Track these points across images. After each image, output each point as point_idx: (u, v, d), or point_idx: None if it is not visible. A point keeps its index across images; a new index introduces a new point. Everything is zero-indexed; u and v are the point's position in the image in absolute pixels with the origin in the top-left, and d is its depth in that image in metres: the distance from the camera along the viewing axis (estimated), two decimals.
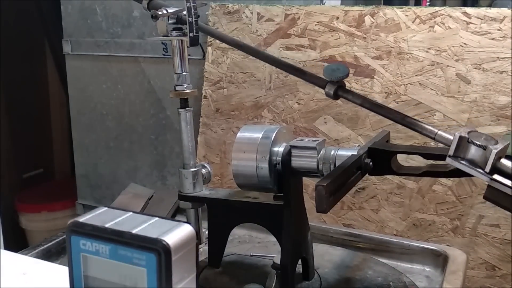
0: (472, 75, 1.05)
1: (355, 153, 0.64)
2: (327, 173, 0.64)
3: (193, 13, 0.63)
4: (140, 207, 1.26)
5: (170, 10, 0.71)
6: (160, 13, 0.70)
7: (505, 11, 1.05)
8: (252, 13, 1.26)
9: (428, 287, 0.79)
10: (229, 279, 0.77)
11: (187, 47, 0.71)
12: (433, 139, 0.53)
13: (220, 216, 0.75)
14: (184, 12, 0.72)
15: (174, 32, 0.72)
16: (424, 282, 0.80)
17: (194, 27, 0.64)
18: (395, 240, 0.89)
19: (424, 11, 1.10)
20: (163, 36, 0.72)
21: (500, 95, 1.02)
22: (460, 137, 0.50)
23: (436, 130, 0.53)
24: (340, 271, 0.79)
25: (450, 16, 1.08)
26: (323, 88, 0.60)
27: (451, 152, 0.50)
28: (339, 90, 0.59)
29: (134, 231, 0.35)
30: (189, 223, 0.37)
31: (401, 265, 0.84)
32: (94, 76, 1.64)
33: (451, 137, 0.51)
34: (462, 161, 0.50)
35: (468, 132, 0.50)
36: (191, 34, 0.65)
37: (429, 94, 1.08)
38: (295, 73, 0.64)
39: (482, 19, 1.05)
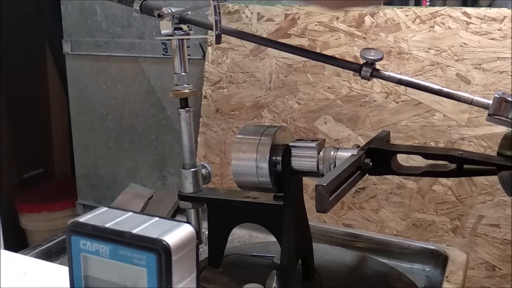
0: (472, 75, 1.05)
1: (355, 153, 0.65)
2: (327, 173, 0.64)
3: (218, 12, 0.64)
4: (140, 207, 1.26)
5: (174, 10, 0.72)
6: (166, 12, 0.70)
7: (505, 11, 1.05)
8: (252, 13, 1.26)
9: (428, 287, 0.79)
10: (229, 279, 0.77)
11: (212, 44, 0.71)
12: (470, 103, 0.61)
13: (220, 216, 0.75)
14: (189, 12, 0.72)
15: (177, 31, 0.72)
16: (424, 282, 0.80)
17: (218, 25, 0.65)
18: (395, 240, 0.89)
19: (424, 11, 1.10)
20: (167, 36, 0.72)
21: None
22: (500, 98, 0.58)
23: (472, 97, 0.61)
24: (340, 271, 0.79)
25: (450, 16, 1.08)
26: (358, 71, 0.64)
27: (490, 112, 0.59)
28: (374, 72, 0.64)
29: (134, 231, 0.35)
30: (189, 223, 0.37)
31: (401, 265, 0.84)
32: (94, 76, 1.64)
33: (487, 101, 0.60)
34: (501, 117, 0.59)
35: (502, 93, 0.59)
36: (216, 32, 0.65)
37: (429, 94, 1.08)
38: (326, 61, 0.68)
39: (482, 19, 1.05)
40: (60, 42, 1.69)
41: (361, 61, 0.65)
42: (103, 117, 1.65)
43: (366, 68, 0.64)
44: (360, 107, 1.13)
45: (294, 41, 1.21)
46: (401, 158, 0.70)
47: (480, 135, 1.03)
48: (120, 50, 1.56)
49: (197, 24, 0.72)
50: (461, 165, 0.63)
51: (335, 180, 0.56)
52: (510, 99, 0.58)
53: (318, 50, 1.18)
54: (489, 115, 0.59)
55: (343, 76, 1.15)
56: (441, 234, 1.06)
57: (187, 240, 0.36)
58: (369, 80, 0.65)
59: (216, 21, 0.65)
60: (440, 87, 0.63)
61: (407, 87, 1.10)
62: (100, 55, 1.60)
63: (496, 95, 0.59)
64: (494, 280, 1.02)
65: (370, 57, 0.63)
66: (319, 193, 0.53)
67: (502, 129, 1.02)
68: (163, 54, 1.48)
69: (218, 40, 0.66)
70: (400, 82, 0.64)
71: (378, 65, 0.73)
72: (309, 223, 0.76)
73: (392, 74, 0.64)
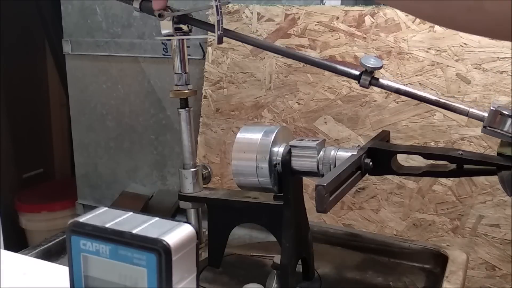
0: (472, 75, 1.05)
1: (355, 153, 0.65)
2: (327, 173, 0.64)
3: (220, 12, 0.65)
4: (140, 207, 1.27)
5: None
6: (166, 12, 0.71)
7: None
8: (252, 13, 1.26)
9: (428, 287, 0.79)
10: (229, 279, 0.77)
11: (212, 44, 0.71)
12: (466, 115, 0.61)
13: (220, 216, 0.75)
14: (189, 13, 0.72)
15: (177, 31, 0.73)
16: (424, 282, 0.80)
17: (220, 25, 0.65)
18: (395, 240, 0.89)
19: None
20: (167, 36, 0.72)
21: (500, 95, 1.02)
22: (496, 111, 0.58)
23: (468, 109, 0.61)
24: (340, 271, 0.79)
25: None
26: (357, 79, 0.65)
27: (486, 124, 0.59)
28: (373, 80, 0.65)
29: (134, 231, 0.35)
30: (189, 223, 0.37)
31: (401, 265, 0.84)
32: (94, 76, 1.64)
33: (482, 113, 0.60)
34: (496, 130, 0.59)
35: (497, 107, 0.59)
36: (218, 32, 0.66)
37: (429, 94, 1.08)
38: (327, 68, 0.68)
39: None
40: (60, 42, 1.69)
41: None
42: (103, 117, 1.65)
43: (365, 77, 0.64)
44: (360, 107, 1.13)
45: (294, 41, 1.21)
46: (401, 158, 0.70)
47: (480, 135, 1.03)
48: (120, 50, 1.56)
49: (197, 25, 0.72)
50: (461, 165, 0.63)
51: (335, 180, 0.56)
52: (505, 112, 0.58)
53: (318, 50, 1.18)
54: (484, 127, 0.60)
55: (343, 76, 1.15)
56: (441, 234, 1.06)
57: (187, 240, 0.36)
58: (367, 88, 0.66)
59: (218, 21, 0.65)
60: (437, 98, 0.64)
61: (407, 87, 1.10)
62: (100, 55, 1.60)
63: (492, 108, 0.59)
64: (494, 280, 1.02)
65: (370, 65, 0.64)
66: (319, 193, 0.53)
67: None
68: (163, 54, 1.48)
69: (220, 40, 0.66)
70: (398, 91, 0.65)
71: None
72: (309, 223, 0.76)
73: (390, 83, 0.65)
